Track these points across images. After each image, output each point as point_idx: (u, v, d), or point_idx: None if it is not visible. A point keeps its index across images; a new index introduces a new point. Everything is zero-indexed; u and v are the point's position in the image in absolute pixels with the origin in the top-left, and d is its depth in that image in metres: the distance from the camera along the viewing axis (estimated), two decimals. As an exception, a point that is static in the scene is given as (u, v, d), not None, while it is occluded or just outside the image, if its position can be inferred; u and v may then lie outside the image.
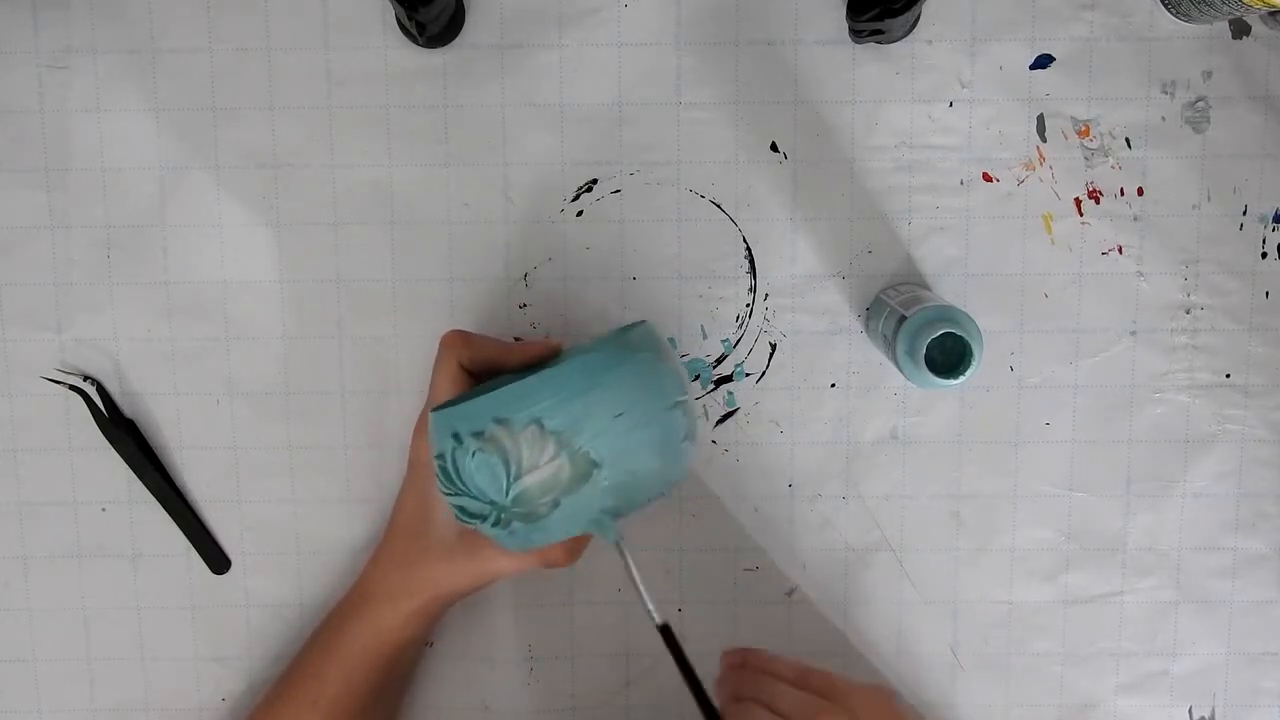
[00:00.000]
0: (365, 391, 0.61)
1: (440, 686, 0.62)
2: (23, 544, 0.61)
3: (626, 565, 0.48)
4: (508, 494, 0.46)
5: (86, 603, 0.62)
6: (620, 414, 0.47)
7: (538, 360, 0.54)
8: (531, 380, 0.46)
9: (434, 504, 0.54)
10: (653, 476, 0.48)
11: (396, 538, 0.56)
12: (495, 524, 0.47)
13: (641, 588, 0.48)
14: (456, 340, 0.53)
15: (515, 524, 0.47)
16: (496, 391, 0.46)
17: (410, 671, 0.60)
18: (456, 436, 0.46)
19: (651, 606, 0.47)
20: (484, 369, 0.54)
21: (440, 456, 0.47)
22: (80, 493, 0.61)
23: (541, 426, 0.45)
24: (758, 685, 0.50)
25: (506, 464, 0.46)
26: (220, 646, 0.62)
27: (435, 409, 0.49)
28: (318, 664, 0.56)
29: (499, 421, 0.45)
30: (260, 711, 0.57)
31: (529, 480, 0.46)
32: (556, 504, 0.46)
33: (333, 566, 0.62)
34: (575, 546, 0.53)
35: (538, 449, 0.46)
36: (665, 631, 0.47)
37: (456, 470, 0.47)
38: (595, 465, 0.46)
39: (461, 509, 0.48)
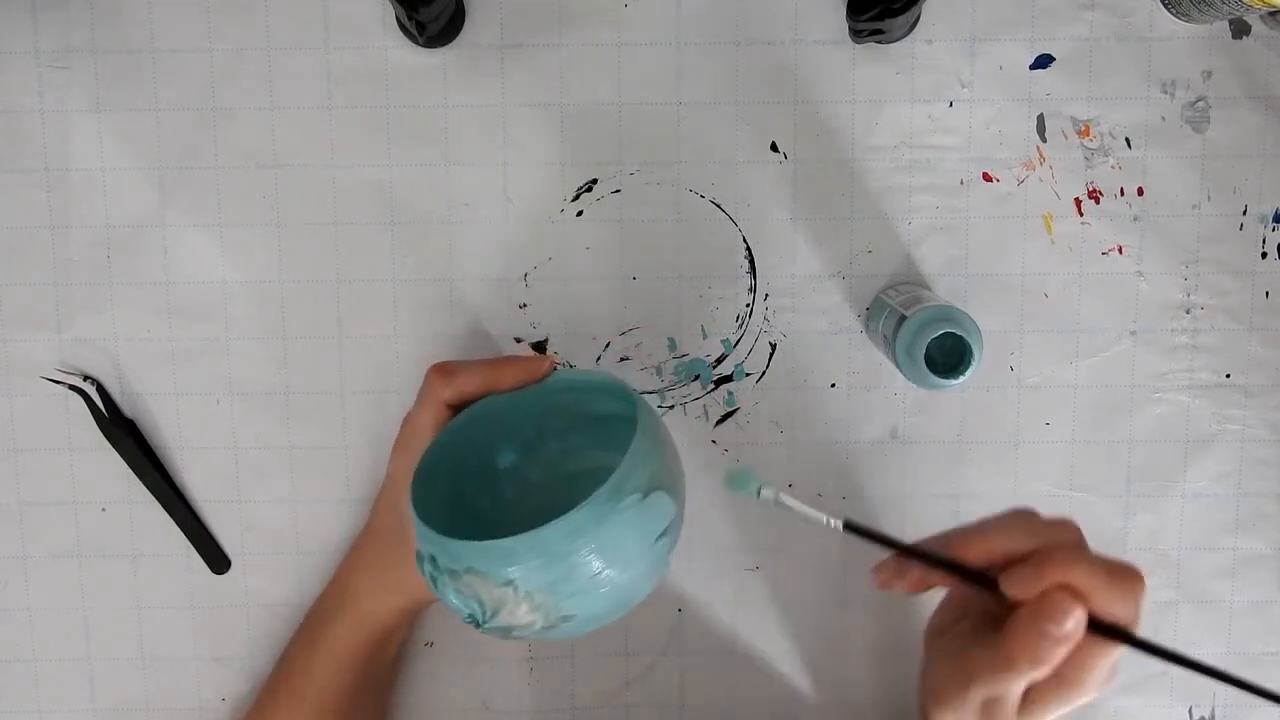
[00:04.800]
0: (365, 391, 0.61)
1: (440, 686, 0.62)
2: (23, 544, 0.61)
3: (787, 504, 0.46)
4: (488, 625, 0.46)
5: (86, 603, 0.62)
6: (600, 572, 0.45)
7: (528, 382, 0.53)
8: (510, 542, 0.44)
9: (410, 519, 0.54)
10: (630, 600, 0.47)
11: (376, 541, 0.56)
12: (475, 626, 0.47)
13: (807, 510, 0.45)
14: (439, 381, 0.53)
15: (494, 633, 0.47)
16: (476, 544, 0.44)
17: (397, 665, 0.60)
18: (434, 560, 0.46)
19: (824, 517, 0.45)
20: (472, 400, 0.54)
21: (420, 558, 0.47)
22: (80, 493, 0.61)
23: (516, 588, 0.44)
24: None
25: (481, 606, 0.45)
26: (220, 646, 0.62)
27: (418, 517, 0.47)
28: (304, 662, 0.57)
29: (474, 572, 0.44)
30: (252, 713, 0.58)
31: (502, 620, 0.45)
32: (531, 633, 0.46)
33: (332, 566, 0.61)
34: None
35: (511, 604, 0.45)
36: (850, 526, 0.45)
37: (434, 582, 0.46)
38: (567, 619, 0.45)
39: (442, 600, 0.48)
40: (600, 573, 0.45)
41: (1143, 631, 0.62)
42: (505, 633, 0.46)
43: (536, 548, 0.44)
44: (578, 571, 0.44)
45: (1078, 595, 0.41)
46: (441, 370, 0.53)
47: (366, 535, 0.57)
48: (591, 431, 0.56)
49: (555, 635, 0.46)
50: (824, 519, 0.45)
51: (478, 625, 0.46)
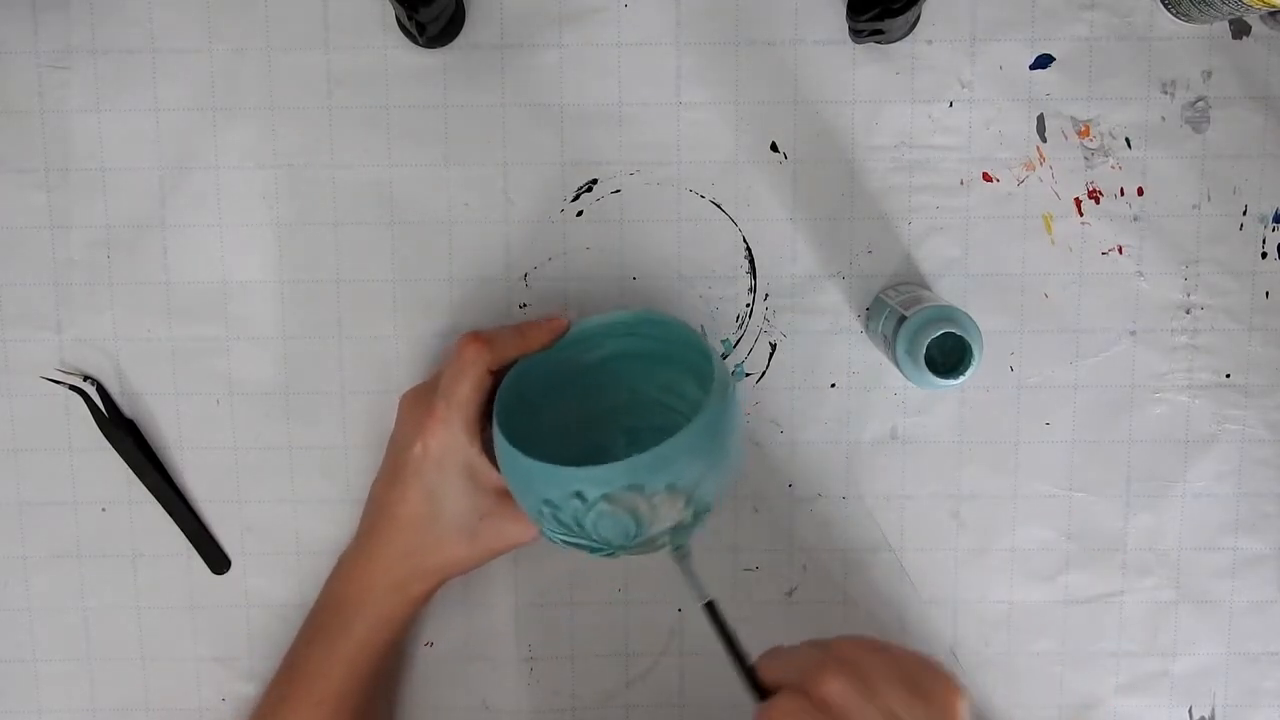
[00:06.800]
0: (365, 391, 0.61)
1: (440, 686, 0.62)
2: (23, 544, 0.61)
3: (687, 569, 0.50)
4: (634, 541, 0.48)
5: (86, 603, 0.62)
6: (730, 454, 0.50)
7: (553, 341, 0.56)
8: (666, 448, 0.47)
9: (445, 494, 0.54)
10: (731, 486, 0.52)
11: (397, 532, 0.55)
12: (608, 555, 0.49)
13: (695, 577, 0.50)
14: (482, 348, 0.53)
15: (624, 554, 0.49)
16: (637, 459, 0.47)
17: (402, 655, 0.61)
18: (580, 496, 0.47)
19: (699, 593, 0.49)
20: (507, 365, 0.55)
21: (552, 505, 0.48)
22: (80, 493, 0.61)
23: (673, 488, 0.47)
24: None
25: (638, 521, 0.47)
26: (220, 646, 0.62)
27: (543, 462, 0.48)
28: (320, 665, 0.56)
29: (634, 488, 0.47)
30: (262, 714, 0.57)
31: (653, 530, 0.48)
32: (668, 539, 0.49)
33: (332, 566, 0.61)
34: None
35: (668, 506, 0.48)
36: (710, 608, 0.48)
37: (577, 522, 0.48)
38: (709, 509, 0.49)
39: (569, 544, 0.49)
40: (730, 455, 0.50)
41: (1142, 631, 0.62)
42: (648, 545, 0.49)
43: (688, 447, 0.48)
44: (716, 459, 0.49)
45: None
46: (480, 339, 0.54)
47: (384, 529, 0.56)
48: (583, 376, 0.57)
49: (690, 534, 0.50)
50: (698, 594, 0.49)
51: (613, 553, 0.49)
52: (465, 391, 0.53)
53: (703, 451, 0.48)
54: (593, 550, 0.49)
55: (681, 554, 0.50)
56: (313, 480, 0.61)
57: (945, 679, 0.44)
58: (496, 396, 0.54)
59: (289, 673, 0.57)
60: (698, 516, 0.49)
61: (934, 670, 0.44)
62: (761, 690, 0.46)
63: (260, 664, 0.62)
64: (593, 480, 0.47)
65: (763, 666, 0.46)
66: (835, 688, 0.42)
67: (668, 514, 0.48)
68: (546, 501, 0.48)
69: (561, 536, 0.49)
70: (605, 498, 0.47)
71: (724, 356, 0.61)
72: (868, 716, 0.42)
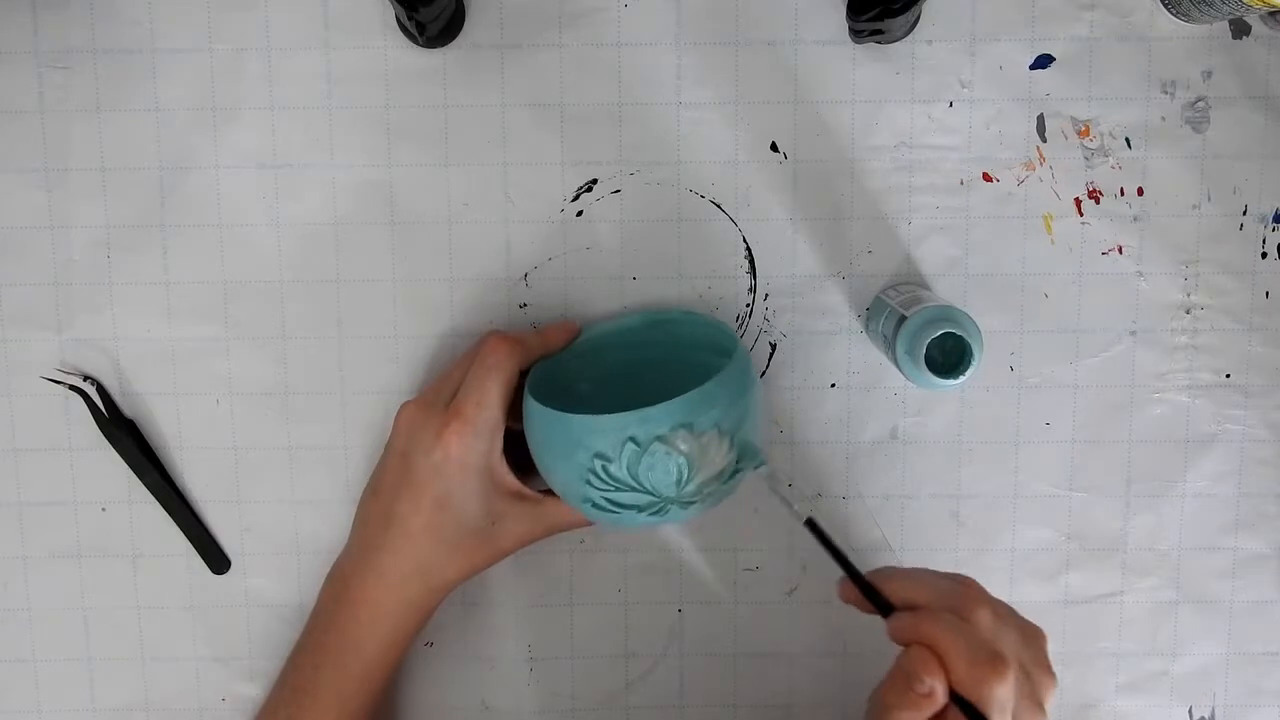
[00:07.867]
0: (365, 391, 0.61)
1: (440, 686, 0.62)
2: (23, 544, 0.61)
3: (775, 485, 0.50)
4: (681, 488, 0.49)
5: (86, 603, 0.62)
6: (760, 405, 0.52)
7: (568, 343, 0.58)
8: (710, 386, 0.49)
9: (463, 498, 0.53)
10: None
11: (411, 544, 0.54)
12: (654, 514, 0.50)
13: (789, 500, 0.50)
14: (514, 348, 0.54)
15: (672, 509, 0.50)
16: (686, 396, 0.49)
17: None
18: (634, 440, 0.48)
19: (794, 506, 0.50)
20: (529, 366, 0.56)
21: (604, 457, 0.49)
22: (80, 493, 0.61)
23: (720, 429, 0.49)
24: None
25: (690, 463, 0.49)
26: (220, 646, 0.62)
27: (596, 416, 0.49)
28: (332, 686, 0.54)
29: (684, 426, 0.48)
30: None
31: (703, 475, 0.49)
32: (712, 490, 0.50)
33: (330, 567, 0.61)
34: None
35: (715, 448, 0.49)
36: (811, 525, 0.49)
37: (630, 472, 0.49)
38: (746, 455, 0.51)
39: (614, 509, 0.50)
40: (758, 405, 0.52)
41: (1142, 631, 0.62)
42: (695, 495, 0.50)
43: (730, 386, 0.50)
44: (753, 402, 0.52)
45: (939, 660, 0.44)
46: (511, 339, 0.55)
47: (394, 543, 0.54)
48: (579, 369, 0.59)
49: (728, 490, 0.51)
50: (794, 508, 0.49)
51: (661, 509, 0.50)
52: (495, 391, 0.53)
53: (742, 391, 0.51)
54: (639, 510, 0.50)
55: (769, 475, 0.51)
56: (313, 480, 0.61)
57: (1035, 626, 0.48)
58: (528, 380, 0.54)
59: (297, 696, 0.55)
60: (739, 463, 0.50)
61: (1024, 618, 0.48)
62: (882, 603, 0.47)
63: (260, 664, 0.62)
64: (645, 421, 0.48)
65: (892, 586, 0.48)
66: (985, 615, 0.45)
67: (715, 456, 0.49)
68: (598, 455, 0.49)
69: (610, 496, 0.50)
70: (659, 439, 0.48)
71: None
72: (1006, 646, 0.45)
